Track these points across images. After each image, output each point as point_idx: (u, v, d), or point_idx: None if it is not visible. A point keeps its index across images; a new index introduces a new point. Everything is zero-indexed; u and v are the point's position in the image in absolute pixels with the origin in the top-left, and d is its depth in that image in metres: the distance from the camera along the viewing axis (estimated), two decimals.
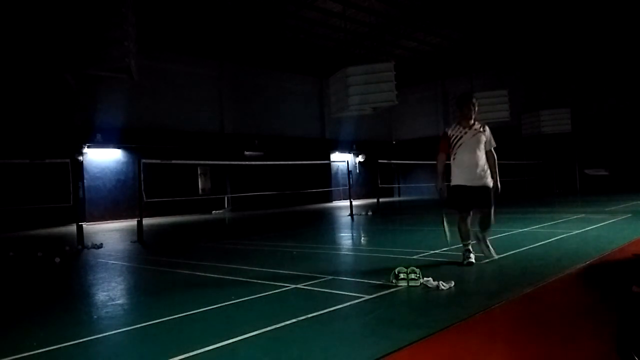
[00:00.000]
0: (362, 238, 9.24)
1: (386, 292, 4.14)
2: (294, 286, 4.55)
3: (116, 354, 3.08)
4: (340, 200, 25.99)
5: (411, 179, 28.76)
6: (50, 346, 3.12)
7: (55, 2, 9.20)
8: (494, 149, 5.42)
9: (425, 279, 4.29)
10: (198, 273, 5.77)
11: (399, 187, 29.97)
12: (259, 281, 4.90)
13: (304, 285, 4.58)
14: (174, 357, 2.77)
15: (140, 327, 3.53)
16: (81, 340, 3.24)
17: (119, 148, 18.56)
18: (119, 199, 18.36)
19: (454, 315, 3.34)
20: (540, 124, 22.11)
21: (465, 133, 5.30)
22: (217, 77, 22.05)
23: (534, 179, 23.42)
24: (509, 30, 22.76)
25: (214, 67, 21.87)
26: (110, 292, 4.92)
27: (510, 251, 5.87)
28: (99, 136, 17.88)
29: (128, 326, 3.57)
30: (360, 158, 28.15)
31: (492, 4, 20.23)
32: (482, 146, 5.30)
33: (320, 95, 26.33)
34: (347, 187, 17.85)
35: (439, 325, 3.12)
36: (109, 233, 12.76)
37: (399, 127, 30.83)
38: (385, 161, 21.03)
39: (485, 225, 5.33)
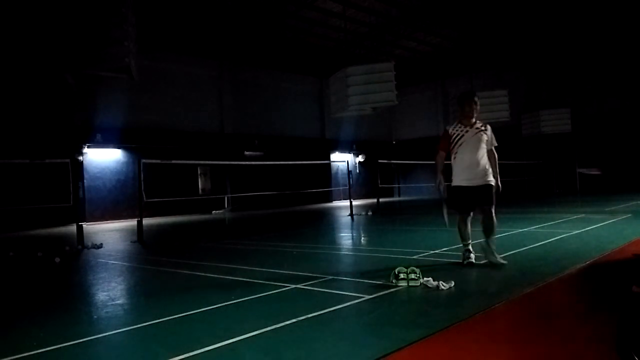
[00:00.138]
0: (362, 238, 9.23)
1: (386, 292, 4.14)
2: (294, 286, 4.55)
3: (116, 354, 3.08)
4: (340, 200, 25.99)
5: (411, 179, 28.76)
6: (50, 346, 3.12)
7: (56, 2, 9.21)
8: (495, 148, 5.39)
9: (425, 279, 4.28)
10: (198, 273, 5.77)
11: (399, 187, 29.97)
12: (259, 281, 4.90)
13: (304, 285, 4.57)
14: (174, 357, 2.77)
15: (140, 327, 3.52)
16: (81, 340, 3.24)
17: (119, 148, 18.56)
18: (119, 199, 18.36)
19: (454, 315, 3.34)
20: (540, 123, 22.11)
21: (467, 132, 5.25)
22: (217, 77, 22.04)
23: (533, 178, 23.41)
24: (508, 30, 22.76)
25: (214, 67, 21.87)
26: (110, 292, 4.92)
27: (510, 251, 5.86)
28: (99, 136, 17.88)
29: (128, 326, 3.57)
30: (360, 158, 28.14)
31: (492, 4, 20.23)
32: (483, 145, 5.24)
33: (320, 95, 26.33)
34: (347, 187, 17.84)
35: (439, 325, 3.12)
36: (109, 233, 12.76)
37: (399, 127, 30.83)
38: (385, 161, 21.00)
39: (489, 230, 5.17)
